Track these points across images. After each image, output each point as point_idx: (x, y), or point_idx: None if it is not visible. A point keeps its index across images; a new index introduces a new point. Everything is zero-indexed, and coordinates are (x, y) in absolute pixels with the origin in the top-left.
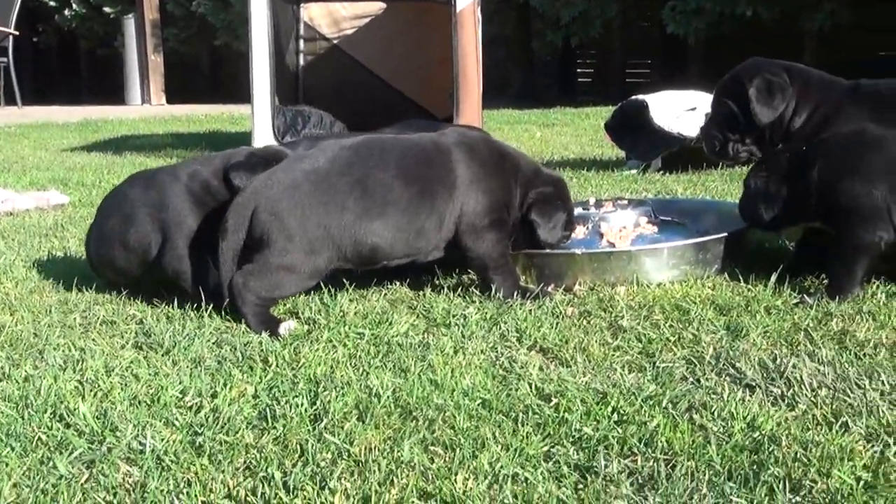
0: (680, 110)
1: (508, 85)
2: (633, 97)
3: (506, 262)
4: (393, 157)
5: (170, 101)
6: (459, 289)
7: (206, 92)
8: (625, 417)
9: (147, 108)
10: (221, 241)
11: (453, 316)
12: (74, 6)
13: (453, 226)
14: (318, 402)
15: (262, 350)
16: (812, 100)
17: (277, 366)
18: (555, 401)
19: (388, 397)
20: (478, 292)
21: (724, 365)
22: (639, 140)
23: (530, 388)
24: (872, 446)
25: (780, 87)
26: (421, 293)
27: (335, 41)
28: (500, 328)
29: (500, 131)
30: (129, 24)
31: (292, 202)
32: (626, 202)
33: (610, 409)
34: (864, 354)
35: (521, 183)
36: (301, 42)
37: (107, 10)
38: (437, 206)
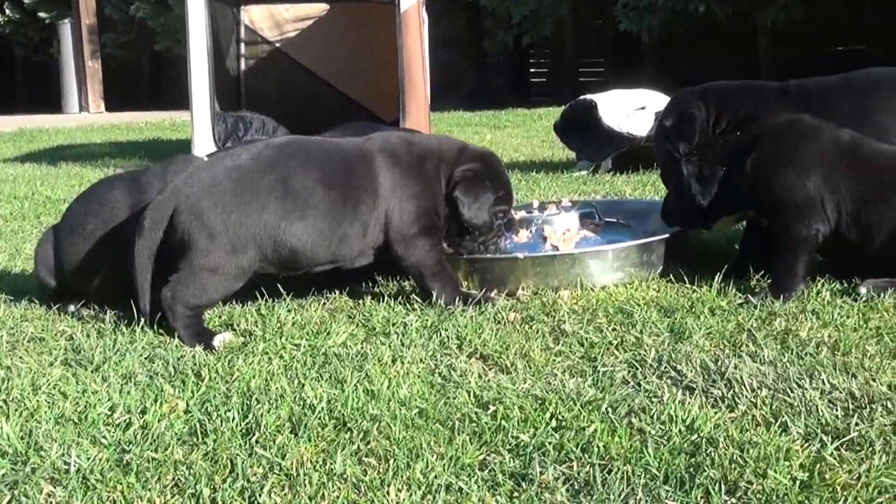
0: (629, 109)
1: (460, 85)
2: (582, 97)
3: (442, 268)
4: (317, 161)
5: (109, 108)
6: (400, 296)
7: (146, 98)
8: (563, 423)
9: (85, 117)
10: (137, 238)
11: (393, 324)
12: (8, 12)
13: (380, 234)
14: (251, 416)
15: (195, 364)
16: (731, 107)
17: (210, 379)
18: (493, 408)
19: (322, 409)
20: (419, 299)
21: (665, 367)
22: (588, 140)
23: (469, 395)
24: (809, 446)
25: (688, 117)
26: (360, 302)
27: (277, 44)
28: (440, 335)
29: (449, 134)
30: (66, 29)
31: (212, 200)
32: (570, 204)
33: (548, 415)
34: (806, 353)
35: (446, 172)
36: (242, 46)
37: (42, 15)
38: (359, 213)
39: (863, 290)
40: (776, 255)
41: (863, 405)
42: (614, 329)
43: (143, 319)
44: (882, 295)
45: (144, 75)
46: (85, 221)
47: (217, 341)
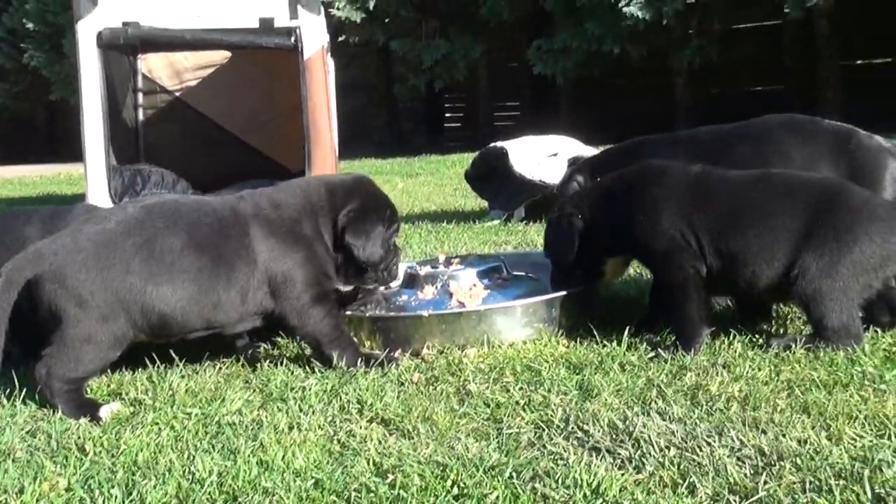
0: (541, 156)
1: (371, 132)
2: (493, 144)
3: (340, 333)
4: (186, 223)
5: (1, 161)
6: (300, 359)
7: (41, 151)
8: (464, 491)
9: None
10: None
11: (291, 389)
12: None
13: (264, 300)
14: (136, 493)
15: (79, 437)
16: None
17: (95, 454)
18: (391, 477)
19: (211, 483)
20: (319, 364)
21: (572, 428)
22: (500, 189)
23: (368, 463)
24: None
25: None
26: (258, 366)
27: (177, 94)
28: (340, 400)
29: None
30: None
31: (76, 266)
32: (476, 259)
33: (449, 482)
34: (716, 409)
35: (327, 225)
36: (139, 95)
37: None
38: (235, 279)
39: (772, 352)
40: (666, 306)
41: (772, 462)
42: (521, 388)
43: (24, 390)
44: (793, 347)
45: (39, 127)
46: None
47: (104, 412)
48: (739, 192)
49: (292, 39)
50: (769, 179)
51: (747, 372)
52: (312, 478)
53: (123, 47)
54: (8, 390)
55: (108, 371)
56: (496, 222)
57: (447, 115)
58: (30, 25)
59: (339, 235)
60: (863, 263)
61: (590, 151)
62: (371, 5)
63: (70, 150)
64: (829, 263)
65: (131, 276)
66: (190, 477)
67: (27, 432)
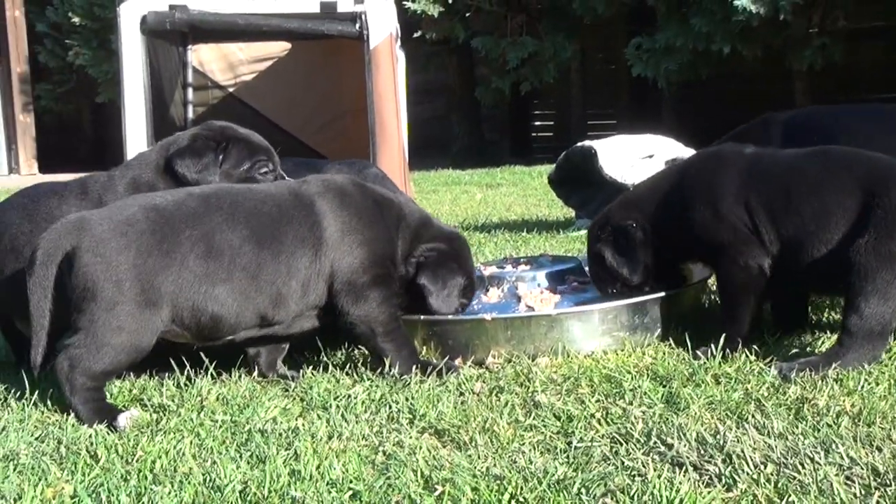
0: (634, 158)
1: (451, 141)
2: (580, 144)
3: (397, 327)
4: (243, 213)
5: (43, 169)
6: (348, 365)
7: (88, 158)
8: None
9: (14, 179)
10: (28, 276)
11: (335, 397)
12: None
13: (325, 289)
14: (146, 500)
15: (92, 443)
16: None
17: (108, 460)
18: (440, 489)
19: (233, 490)
20: (370, 371)
21: (654, 442)
22: (589, 195)
23: (415, 475)
24: None
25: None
26: (300, 372)
27: (231, 89)
28: (389, 408)
29: (434, 193)
30: None
31: (124, 241)
32: (548, 259)
33: (507, 496)
34: (823, 424)
35: (406, 236)
36: (189, 91)
37: None
38: (296, 267)
39: (774, 372)
40: (723, 302)
41: (887, 482)
42: (598, 400)
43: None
44: (797, 374)
45: (85, 131)
46: (31, 241)
47: (122, 420)
48: (794, 168)
49: (357, 26)
50: (825, 154)
51: (862, 386)
52: (350, 489)
53: (171, 34)
54: (19, 393)
55: (131, 374)
56: (583, 232)
57: (535, 122)
58: (76, 20)
59: (409, 268)
60: None
61: (689, 152)
62: None
63: (119, 156)
64: (878, 247)
65: (185, 271)
66: (210, 484)
67: (35, 437)
